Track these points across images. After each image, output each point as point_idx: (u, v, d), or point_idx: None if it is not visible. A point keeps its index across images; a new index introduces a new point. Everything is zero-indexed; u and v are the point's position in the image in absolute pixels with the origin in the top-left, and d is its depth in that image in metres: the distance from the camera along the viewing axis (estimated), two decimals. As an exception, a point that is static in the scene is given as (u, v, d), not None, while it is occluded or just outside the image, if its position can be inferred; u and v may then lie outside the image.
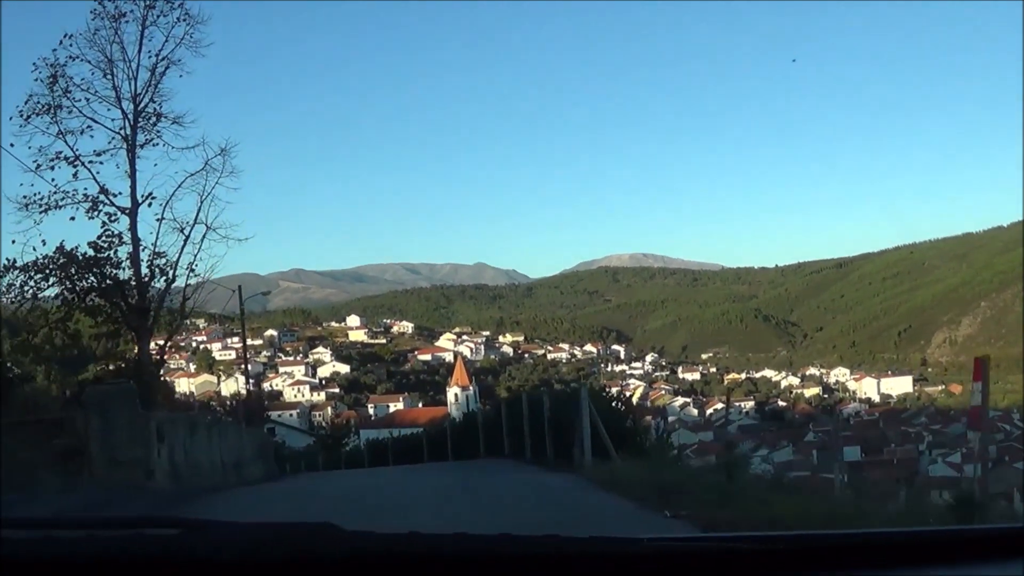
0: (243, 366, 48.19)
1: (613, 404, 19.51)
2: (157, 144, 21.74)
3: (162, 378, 25.74)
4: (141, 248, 21.31)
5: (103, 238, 20.82)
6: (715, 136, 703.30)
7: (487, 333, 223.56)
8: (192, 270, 21.99)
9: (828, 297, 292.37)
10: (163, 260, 21.51)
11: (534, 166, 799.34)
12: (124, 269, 21.04)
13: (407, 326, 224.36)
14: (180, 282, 22.07)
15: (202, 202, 22.00)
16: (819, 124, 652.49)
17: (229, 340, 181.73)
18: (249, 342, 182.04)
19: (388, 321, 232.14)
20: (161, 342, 23.47)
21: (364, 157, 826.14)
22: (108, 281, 20.72)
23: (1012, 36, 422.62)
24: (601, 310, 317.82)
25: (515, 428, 20.62)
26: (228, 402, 50.95)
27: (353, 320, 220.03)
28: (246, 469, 22.18)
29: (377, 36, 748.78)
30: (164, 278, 21.61)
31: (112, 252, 20.86)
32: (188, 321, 23.58)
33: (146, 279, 21.22)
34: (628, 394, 26.89)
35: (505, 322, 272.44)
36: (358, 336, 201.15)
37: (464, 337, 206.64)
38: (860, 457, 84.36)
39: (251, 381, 45.97)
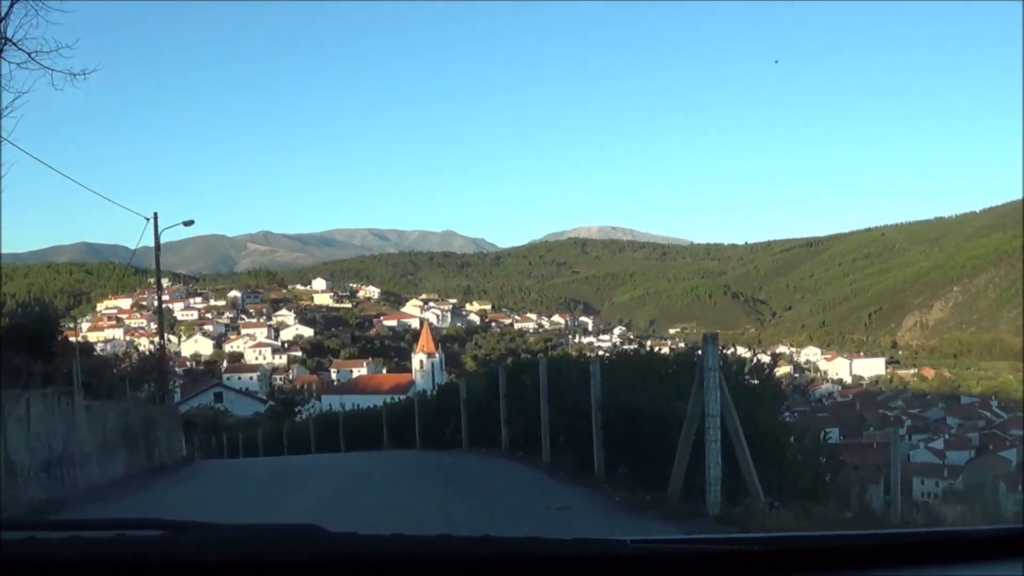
0: (159, 313, 36.36)
1: (746, 380, 11.10)
2: None
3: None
4: None
5: None
6: (688, 111, 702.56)
7: (454, 301, 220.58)
8: None
9: (798, 276, 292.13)
10: None
11: (505, 136, 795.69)
12: None
13: (373, 291, 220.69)
14: None
15: (11, 8, 12.42)
16: (793, 103, 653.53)
17: (192, 300, 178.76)
18: (212, 303, 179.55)
19: (354, 286, 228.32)
20: None
21: (337, 121, 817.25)
22: None
23: (983, 19, 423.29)
24: (569, 281, 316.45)
25: (525, 410, 15.44)
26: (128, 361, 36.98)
27: (319, 283, 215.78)
28: (86, 468, 14.76)
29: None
30: None
31: None
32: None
33: None
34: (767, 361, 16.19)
35: (472, 290, 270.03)
36: (323, 300, 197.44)
37: (431, 304, 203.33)
38: (839, 439, 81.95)
39: (166, 338, 34.75)
